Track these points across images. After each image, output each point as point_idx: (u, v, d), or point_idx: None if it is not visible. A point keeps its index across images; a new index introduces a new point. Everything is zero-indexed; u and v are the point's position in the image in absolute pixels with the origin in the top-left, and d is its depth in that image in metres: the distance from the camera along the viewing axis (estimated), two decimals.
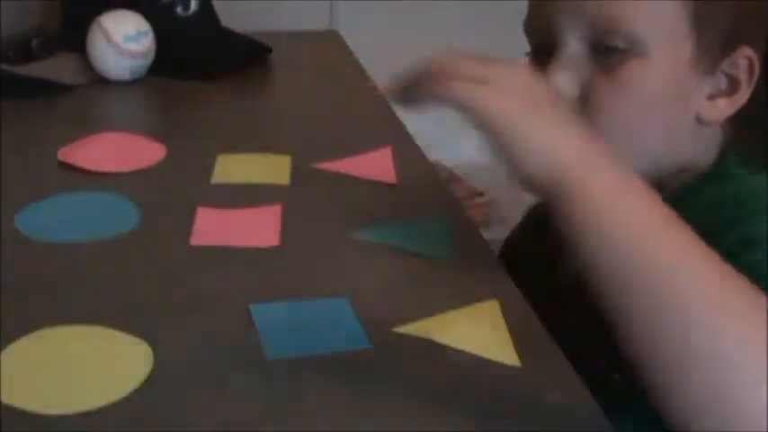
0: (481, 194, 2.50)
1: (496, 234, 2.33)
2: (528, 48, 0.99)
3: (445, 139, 2.57)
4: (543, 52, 0.92)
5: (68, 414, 0.71)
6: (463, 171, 2.56)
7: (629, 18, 0.86)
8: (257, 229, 1.00)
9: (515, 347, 0.80)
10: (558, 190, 0.69)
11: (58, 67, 1.44)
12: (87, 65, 1.45)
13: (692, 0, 0.87)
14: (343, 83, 1.53)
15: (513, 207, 2.50)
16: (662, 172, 0.92)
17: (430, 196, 1.11)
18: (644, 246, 0.65)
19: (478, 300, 0.87)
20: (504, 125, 0.71)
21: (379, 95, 1.40)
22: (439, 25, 2.52)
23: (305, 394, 0.74)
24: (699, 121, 0.91)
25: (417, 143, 1.25)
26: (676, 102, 0.90)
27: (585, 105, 0.89)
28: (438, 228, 1.01)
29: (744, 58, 0.89)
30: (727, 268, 0.65)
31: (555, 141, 0.69)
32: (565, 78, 0.89)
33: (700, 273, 0.65)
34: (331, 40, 1.79)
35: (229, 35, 1.60)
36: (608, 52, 0.88)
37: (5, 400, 0.72)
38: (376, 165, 1.16)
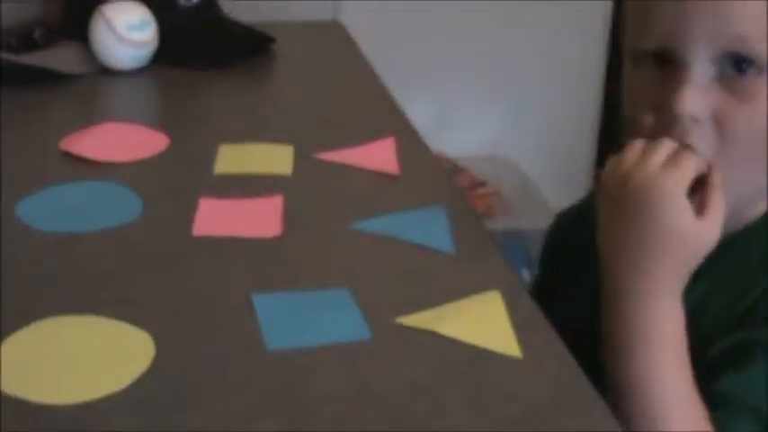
0: (484, 185, 2.50)
1: (499, 224, 2.34)
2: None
3: (448, 131, 2.57)
4: (658, 58, 0.89)
5: (69, 404, 0.71)
6: (466, 162, 2.56)
7: (764, 41, 0.84)
8: (259, 219, 1.00)
9: (517, 339, 0.80)
10: None
11: (60, 57, 1.44)
12: (90, 54, 1.45)
13: None
14: (346, 73, 1.53)
15: (516, 198, 2.50)
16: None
17: (432, 187, 1.11)
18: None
19: (480, 291, 0.87)
20: None
21: (383, 86, 1.40)
22: (441, 16, 2.52)
23: (305, 385, 0.74)
24: None
25: (420, 134, 1.25)
26: None
27: (718, 127, 0.87)
28: (440, 220, 1.01)
29: None
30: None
31: None
32: (698, 104, 0.86)
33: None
34: (334, 30, 1.78)
35: (232, 25, 1.60)
36: (740, 75, 0.86)
37: (6, 390, 0.72)
38: (379, 155, 1.16)
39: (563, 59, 2.70)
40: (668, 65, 0.88)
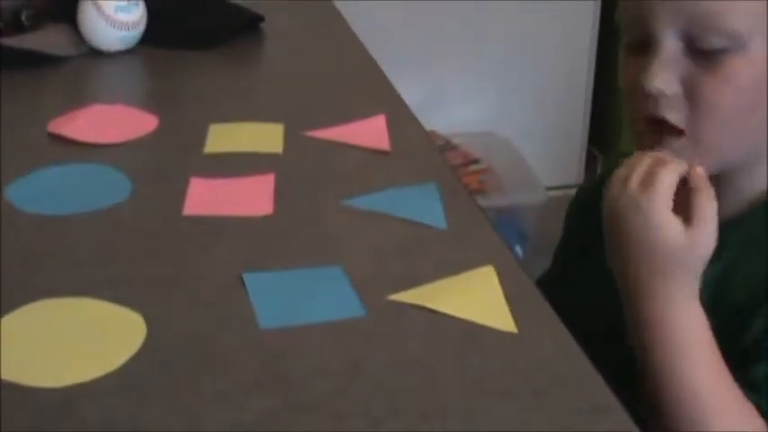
0: (477, 162, 2.50)
1: (492, 201, 2.34)
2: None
3: (441, 108, 2.57)
4: (638, 45, 0.93)
5: (62, 387, 0.70)
6: (459, 139, 2.55)
7: (728, 15, 0.87)
8: (250, 198, 0.99)
9: (511, 313, 0.80)
10: None
11: (48, 39, 1.42)
12: (78, 36, 1.44)
13: None
14: (337, 51, 1.52)
15: (509, 175, 2.50)
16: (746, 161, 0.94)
17: (424, 164, 1.10)
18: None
19: (474, 267, 0.86)
20: None
21: (374, 64, 1.39)
22: None
23: (298, 363, 0.74)
24: None
25: (412, 111, 1.24)
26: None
27: (688, 101, 0.90)
28: (432, 196, 1.00)
29: None
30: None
31: None
32: (666, 78, 0.90)
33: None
34: (324, 8, 1.77)
35: (221, 4, 1.59)
36: (707, 49, 0.88)
37: None
38: (370, 132, 1.15)
39: (556, 38, 2.70)
40: (645, 42, 0.91)
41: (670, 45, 0.89)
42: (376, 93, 1.30)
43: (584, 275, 1.07)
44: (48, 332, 0.77)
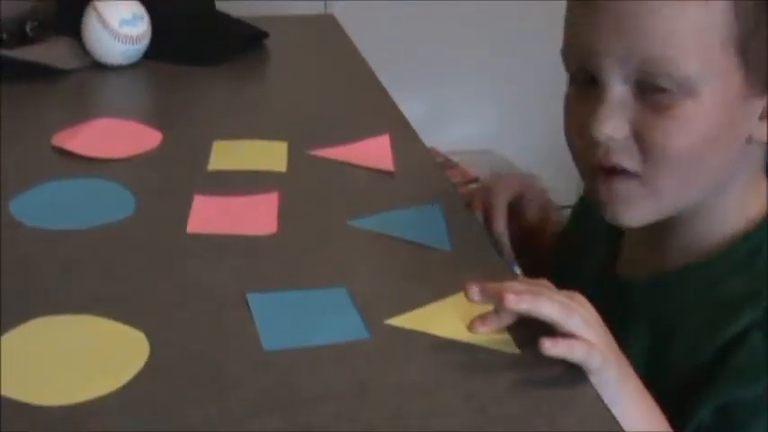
0: (476, 180, 2.49)
1: None
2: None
3: (441, 125, 2.57)
4: (584, 78, 0.90)
5: (64, 405, 0.70)
6: (458, 157, 2.55)
7: (680, 59, 0.84)
8: (254, 216, 0.99)
9: (514, 336, 0.80)
10: None
11: (52, 52, 1.43)
12: (82, 49, 1.44)
13: (737, 35, 0.84)
14: (340, 68, 1.52)
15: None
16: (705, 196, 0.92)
17: (428, 184, 1.10)
18: None
19: None
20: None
21: (377, 81, 1.40)
22: (435, 10, 2.52)
23: (302, 385, 0.73)
24: (750, 141, 0.89)
25: (415, 130, 1.24)
26: (728, 131, 0.87)
27: (639, 145, 0.87)
28: (436, 217, 1.00)
29: None
30: None
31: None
32: (615, 124, 0.86)
33: None
34: (327, 24, 1.78)
35: (225, 20, 1.59)
36: (657, 92, 0.85)
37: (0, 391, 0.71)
38: (374, 152, 1.15)
39: (556, 57, 2.69)
40: (591, 85, 0.89)
41: (618, 89, 0.86)
42: (380, 111, 1.31)
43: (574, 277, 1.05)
44: (51, 349, 0.77)
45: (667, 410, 0.83)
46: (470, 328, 0.80)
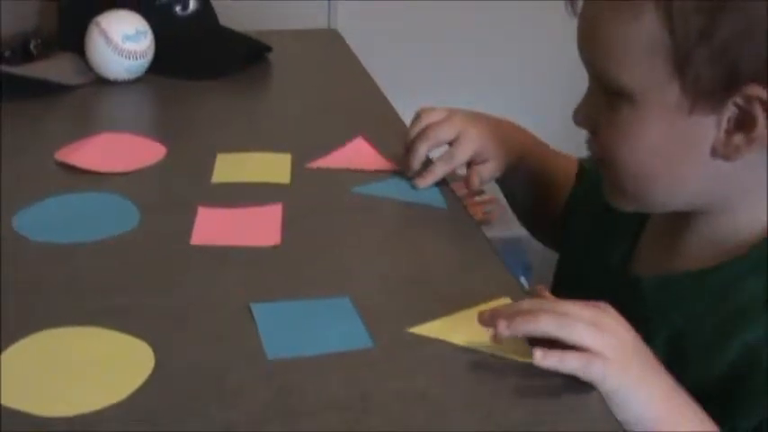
0: (481, 193, 2.49)
1: (497, 232, 2.33)
2: None
3: None
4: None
5: (70, 416, 0.70)
6: (464, 169, 2.55)
7: (614, 70, 0.87)
8: (258, 228, 0.99)
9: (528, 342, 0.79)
10: None
11: (56, 68, 1.43)
12: (86, 65, 1.44)
13: (670, 48, 0.83)
14: (344, 81, 1.53)
15: None
16: (691, 207, 0.92)
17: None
18: None
19: (480, 298, 0.86)
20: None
21: (381, 94, 1.40)
22: (437, 24, 2.52)
23: (307, 394, 0.73)
24: (715, 154, 0.87)
25: None
26: (678, 144, 0.87)
27: (597, 141, 0.93)
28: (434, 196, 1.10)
29: (755, 95, 0.84)
30: None
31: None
32: (585, 114, 0.93)
33: None
34: (330, 38, 1.78)
35: (228, 34, 1.59)
36: (610, 97, 0.89)
37: (6, 403, 0.71)
38: (378, 162, 1.16)
39: (561, 69, 2.70)
40: None
41: (594, 85, 0.92)
42: (384, 123, 1.31)
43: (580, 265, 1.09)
44: (56, 361, 0.77)
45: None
46: (493, 337, 0.80)
